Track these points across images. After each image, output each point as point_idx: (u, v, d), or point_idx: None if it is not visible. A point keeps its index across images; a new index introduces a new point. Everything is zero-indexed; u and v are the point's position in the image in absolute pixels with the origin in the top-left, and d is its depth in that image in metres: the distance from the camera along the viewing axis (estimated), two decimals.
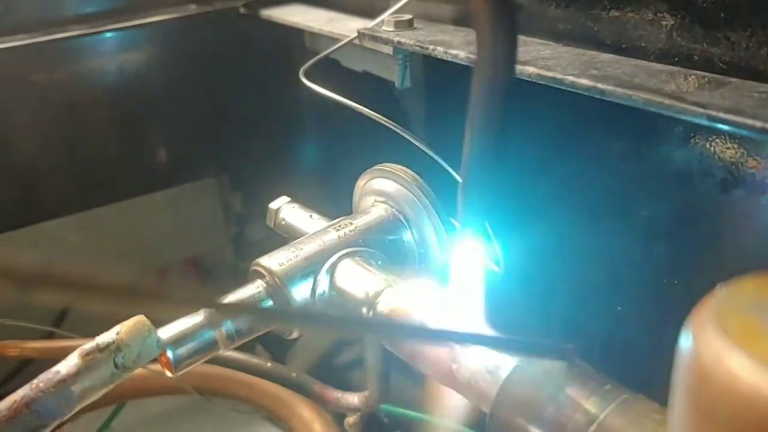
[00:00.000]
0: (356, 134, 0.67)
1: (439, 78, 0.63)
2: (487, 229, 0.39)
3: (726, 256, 0.47)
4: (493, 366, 0.41)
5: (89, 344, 0.40)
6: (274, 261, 0.48)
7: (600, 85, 0.43)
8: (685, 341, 0.23)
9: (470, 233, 0.38)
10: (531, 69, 0.47)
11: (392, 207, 0.54)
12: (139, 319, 0.42)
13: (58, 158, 0.83)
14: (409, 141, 0.55)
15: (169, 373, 0.44)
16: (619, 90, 0.42)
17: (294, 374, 0.65)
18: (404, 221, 0.53)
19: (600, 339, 0.57)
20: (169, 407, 0.85)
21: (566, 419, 0.36)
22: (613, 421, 0.35)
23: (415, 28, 0.61)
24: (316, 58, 0.66)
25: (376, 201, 0.55)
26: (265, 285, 0.48)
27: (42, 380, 0.39)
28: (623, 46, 0.50)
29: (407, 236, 0.53)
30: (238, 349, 0.48)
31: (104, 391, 0.40)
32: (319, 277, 0.49)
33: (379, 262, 0.51)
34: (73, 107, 0.82)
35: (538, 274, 0.60)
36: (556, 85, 0.46)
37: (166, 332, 0.43)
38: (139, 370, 0.42)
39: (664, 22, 0.47)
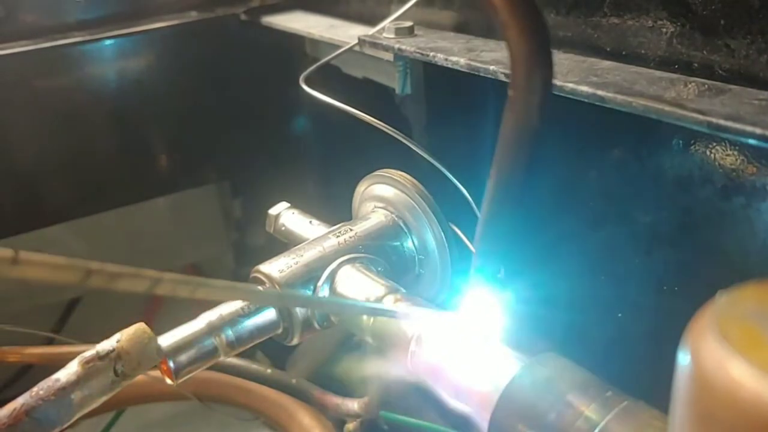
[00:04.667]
0: (356, 140, 0.67)
1: (440, 85, 0.63)
2: (500, 275, 0.38)
3: (727, 263, 0.47)
4: (494, 372, 0.41)
5: (89, 352, 0.40)
6: (274, 268, 0.48)
7: (600, 92, 0.43)
8: (686, 348, 0.23)
9: (483, 278, 0.38)
10: None
11: (392, 213, 0.54)
12: (140, 326, 0.42)
13: (59, 164, 0.83)
14: (409, 147, 0.55)
15: (169, 381, 0.43)
16: (620, 97, 0.42)
17: (294, 380, 0.65)
18: (404, 227, 0.53)
19: (601, 345, 0.57)
20: (169, 413, 0.85)
21: (567, 426, 0.36)
22: (614, 427, 0.35)
23: (415, 35, 0.62)
24: (316, 64, 0.66)
25: (375, 207, 0.55)
26: None
27: (42, 388, 0.38)
28: (623, 53, 0.50)
29: (407, 242, 0.53)
30: (238, 355, 0.48)
31: (104, 399, 0.40)
32: (319, 284, 0.49)
33: (380, 269, 0.51)
34: (74, 113, 0.82)
35: (538, 279, 0.59)
36: (556, 92, 0.46)
37: (167, 340, 0.43)
38: (138, 376, 0.42)
39: (664, 30, 0.47)
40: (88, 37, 0.80)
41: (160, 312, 1.00)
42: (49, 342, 0.79)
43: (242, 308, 0.47)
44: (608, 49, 0.51)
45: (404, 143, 0.55)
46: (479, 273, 0.38)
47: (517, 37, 0.30)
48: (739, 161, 0.44)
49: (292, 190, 0.65)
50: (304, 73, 0.65)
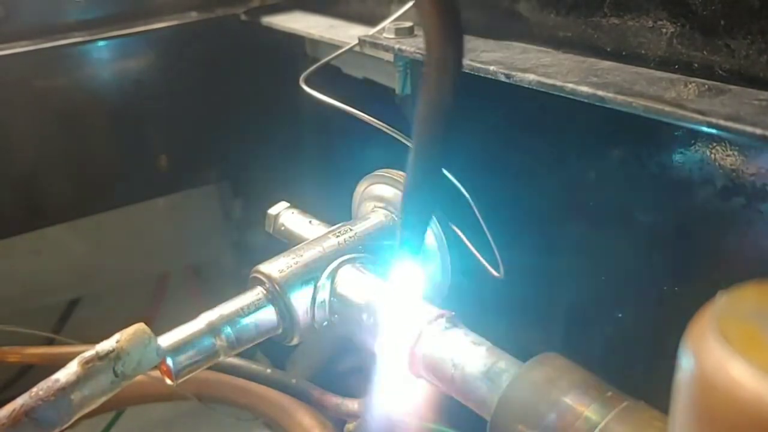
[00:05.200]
0: (356, 140, 0.67)
1: None
2: (422, 249, 0.40)
3: (727, 263, 0.47)
4: (494, 373, 0.41)
5: (89, 352, 0.40)
6: (274, 268, 0.48)
7: (600, 93, 0.43)
8: (686, 349, 0.23)
9: (408, 249, 0.39)
10: (531, 76, 0.48)
11: (391, 213, 0.54)
12: (139, 327, 0.42)
13: (60, 164, 0.83)
14: (409, 147, 0.55)
15: (169, 381, 0.43)
16: (620, 97, 0.42)
17: (294, 380, 0.65)
18: None
19: (601, 346, 0.57)
20: (169, 414, 0.85)
21: (567, 426, 0.36)
22: (614, 428, 0.35)
23: (415, 35, 0.62)
24: (316, 65, 0.66)
25: (375, 207, 0.55)
26: (264, 292, 0.48)
27: (42, 388, 0.38)
28: (623, 53, 0.50)
29: None
30: (237, 355, 0.48)
31: (104, 399, 0.40)
32: (319, 284, 0.49)
33: (379, 269, 0.51)
34: (74, 114, 0.82)
35: (538, 281, 0.59)
36: (556, 93, 0.46)
37: (167, 340, 0.43)
38: (138, 377, 0.42)
39: (664, 30, 0.47)
40: (88, 38, 0.80)
41: (160, 312, 1.00)
42: (49, 342, 0.79)
43: (242, 308, 0.47)
44: (608, 50, 0.51)
45: (404, 143, 0.55)
46: (404, 245, 0.40)
47: (429, 18, 0.31)
48: (739, 162, 0.44)
49: (291, 190, 0.65)
50: (304, 74, 0.65)
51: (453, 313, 0.46)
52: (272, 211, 0.59)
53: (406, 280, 0.43)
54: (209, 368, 0.46)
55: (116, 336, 0.41)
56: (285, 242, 0.57)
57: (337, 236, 0.52)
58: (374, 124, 0.56)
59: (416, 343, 0.44)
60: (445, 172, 0.53)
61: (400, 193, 0.53)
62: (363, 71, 0.74)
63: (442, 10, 0.31)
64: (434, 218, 0.52)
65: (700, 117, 0.38)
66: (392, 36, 0.61)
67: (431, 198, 0.37)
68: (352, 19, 0.78)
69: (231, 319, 0.46)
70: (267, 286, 0.48)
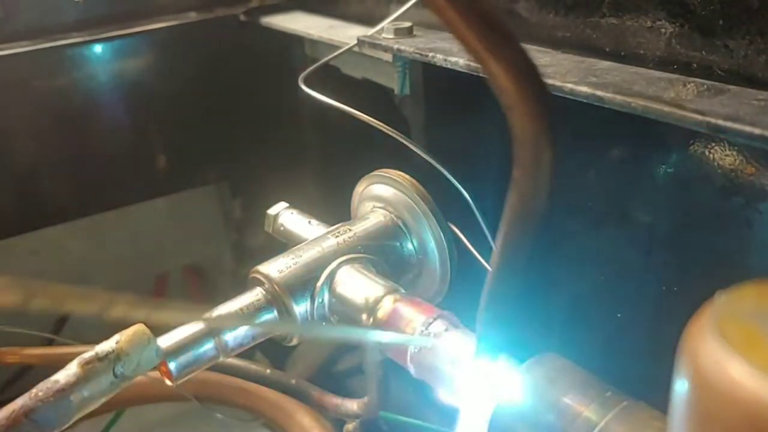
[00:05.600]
0: (355, 140, 0.67)
1: (439, 85, 0.63)
2: (502, 357, 0.38)
3: (726, 263, 0.47)
4: (494, 372, 0.41)
5: (89, 353, 0.40)
6: (274, 268, 0.48)
7: (599, 93, 0.43)
8: (685, 348, 0.23)
9: (485, 359, 0.38)
10: None
11: (391, 213, 0.54)
12: (139, 327, 0.41)
13: (58, 165, 0.83)
14: (408, 147, 0.55)
15: (169, 382, 0.43)
16: (619, 97, 0.42)
17: (293, 381, 0.65)
18: (403, 227, 0.53)
19: (600, 345, 0.57)
20: (168, 414, 0.85)
21: (567, 426, 0.36)
22: (614, 428, 0.35)
23: (414, 36, 0.62)
24: (315, 65, 0.66)
25: (374, 207, 0.55)
26: (264, 292, 0.48)
27: (41, 389, 0.38)
28: (622, 53, 0.50)
29: (406, 242, 0.53)
30: (237, 355, 0.48)
31: (103, 400, 0.40)
32: (318, 284, 0.49)
33: (379, 269, 0.51)
34: (73, 114, 0.82)
35: (537, 280, 0.59)
36: (555, 93, 0.46)
37: (166, 341, 0.43)
38: (138, 377, 0.42)
39: (663, 30, 0.47)
40: (87, 38, 0.80)
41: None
42: (49, 343, 0.79)
43: (241, 309, 0.47)
44: (607, 50, 0.51)
45: (403, 143, 0.55)
46: (483, 348, 0.38)
47: (523, 120, 0.29)
48: (737, 161, 0.44)
49: (291, 190, 0.65)
50: (303, 74, 0.65)
51: (452, 313, 0.46)
52: (271, 211, 0.59)
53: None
54: (209, 369, 0.46)
55: (116, 337, 0.41)
56: (284, 242, 0.57)
57: (337, 236, 0.52)
58: (373, 124, 0.56)
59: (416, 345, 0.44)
60: (445, 172, 0.53)
61: (399, 193, 0.53)
62: (362, 71, 0.74)
63: (538, 114, 0.29)
64: (434, 218, 0.52)
65: (699, 117, 0.38)
66: (391, 36, 0.61)
67: (514, 311, 0.35)
68: (351, 20, 0.78)
69: (231, 320, 0.46)
70: (266, 286, 0.48)
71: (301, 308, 0.48)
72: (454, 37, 0.26)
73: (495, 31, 0.26)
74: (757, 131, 0.36)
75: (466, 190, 0.53)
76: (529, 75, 0.28)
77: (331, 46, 0.70)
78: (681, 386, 0.23)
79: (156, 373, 0.44)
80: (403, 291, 0.48)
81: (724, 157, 0.45)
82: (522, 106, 0.29)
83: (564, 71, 0.48)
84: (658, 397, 0.31)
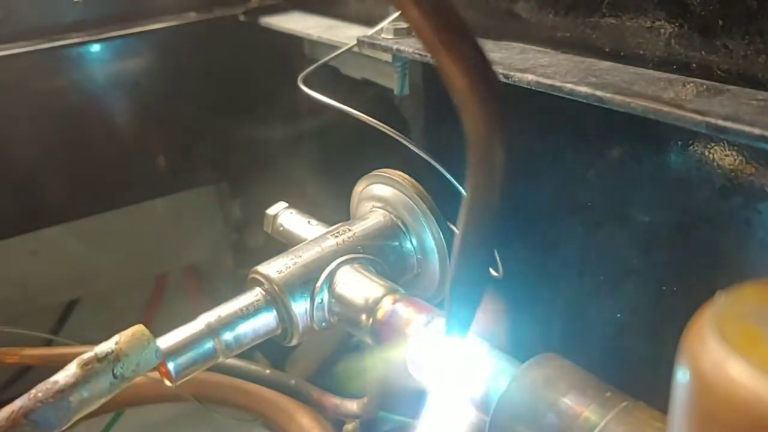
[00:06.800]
0: (355, 141, 0.67)
1: (438, 85, 0.63)
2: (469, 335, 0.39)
3: (725, 263, 0.47)
4: (494, 373, 0.41)
5: (88, 354, 0.40)
6: (273, 268, 0.48)
7: (599, 93, 0.43)
8: (685, 348, 0.23)
9: (455, 338, 0.38)
10: (530, 77, 0.48)
11: (390, 213, 0.54)
12: (138, 328, 0.41)
13: (58, 165, 0.83)
14: (408, 147, 0.55)
15: (168, 383, 0.43)
16: (618, 97, 0.42)
17: (293, 381, 0.65)
18: (402, 227, 0.53)
19: (600, 346, 0.57)
20: (168, 415, 0.85)
21: (566, 426, 0.36)
22: (614, 428, 0.35)
23: (414, 36, 0.62)
24: (315, 65, 0.66)
25: (374, 207, 0.55)
26: (263, 293, 0.48)
27: (40, 390, 0.38)
28: (622, 53, 0.50)
29: (406, 242, 0.53)
30: (237, 356, 0.48)
31: (103, 401, 0.40)
32: (318, 285, 0.49)
33: (378, 269, 0.51)
34: (72, 114, 0.82)
35: (536, 280, 0.60)
36: (555, 93, 0.46)
37: (166, 342, 0.43)
38: (137, 378, 0.42)
39: (662, 30, 0.47)
40: (86, 38, 0.80)
41: (159, 313, 1.00)
42: (48, 343, 0.79)
43: (241, 309, 0.47)
44: (607, 50, 0.51)
45: (403, 143, 0.55)
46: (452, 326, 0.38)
47: (474, 120, 0.28)
48: (737, 161, 0.44)
49: (290, 190, 0.65)
50: (303, 74, 0.65)
51: None
52: (271, 211, 0.59)
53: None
54: (208, 369, 0.46)
55: (115, 337, 0.41)
56: (284, 243, 0.57)
57: (336, 236, 0.52)
58: (372, 124, 0.56)
59: (416, 344, 0.44)
60: (445, 172, 0.53)
61: (398, 193, 0.53)
62: (361, 72, 0.74)
63: (490, 114, 0.28)
64: (434, 219, 0.52)
65: (698, 117, 0.38)
66: (390, 36, 0.61)
67: (478, 294, 0.36)
68: (350, 20, 0.78)
69: (230, 321, 0.46)
70: (266, 287, 0.48)
71: (300, 308, 0.48)
72: (412, 29, 0.26)
73: (450, 24, 0.25)
74: (756, 131, 0.36)
75: (465, 190, 0.53)
76: (481, 72, 0.27)
77: (331, 47, 0.70)
78: (681, 386, 0.23)
79: (155, 374, 0.44)
80: (402, 291, 0.48)
81: (723, 157, 0.45)
82: (473, 105, 0.28)
83: (564, 71, 0.48)
84: (658, 398, 0.31)
